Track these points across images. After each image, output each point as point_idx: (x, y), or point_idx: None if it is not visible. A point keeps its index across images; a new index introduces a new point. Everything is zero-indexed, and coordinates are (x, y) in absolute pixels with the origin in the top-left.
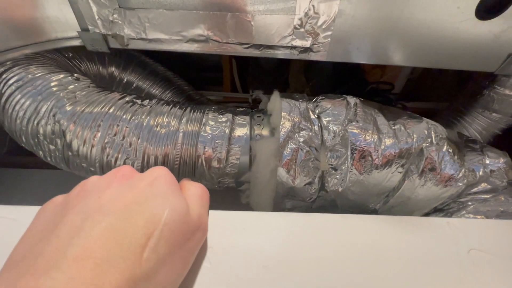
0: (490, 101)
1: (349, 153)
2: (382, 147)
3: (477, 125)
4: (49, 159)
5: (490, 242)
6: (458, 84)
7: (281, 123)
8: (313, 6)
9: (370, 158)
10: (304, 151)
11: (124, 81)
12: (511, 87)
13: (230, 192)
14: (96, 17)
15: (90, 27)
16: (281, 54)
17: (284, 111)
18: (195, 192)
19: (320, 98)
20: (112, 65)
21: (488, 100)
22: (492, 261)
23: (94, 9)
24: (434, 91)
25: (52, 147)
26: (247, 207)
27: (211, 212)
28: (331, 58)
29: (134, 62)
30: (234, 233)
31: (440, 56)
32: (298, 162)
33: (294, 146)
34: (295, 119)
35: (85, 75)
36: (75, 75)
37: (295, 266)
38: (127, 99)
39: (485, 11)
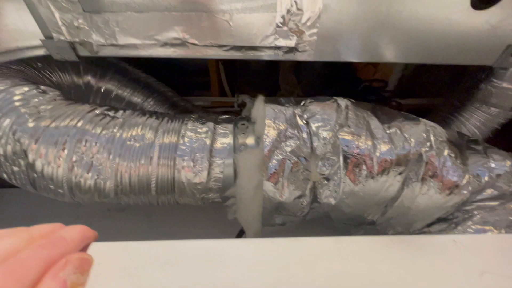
0: (488, 95)
1: (341, 161)
2: (377, 154)
3: (475, 120)
4: (14, 181)
5: (505, 262)
6: (453, 78)
7: (265, 131)
8: (296, 2)
9: (364, 167)
10: (292, 161)
11: (102, 90)
12: (509, 80)
13: (216, 206)
14: (60, 23)
15: (54, 35)
16: (265, 55)
17: (269, 118)
18: None
19: (308, 101)
20: (88, 73)
21: (485, 94)
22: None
23: (57, 14)
24: (429, 86)
25: (15, 168)
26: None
27: (182, 242)
28: (319, 58)
29: (112, 69)
30: (209, 268)
31: (434, 51)
32: (286, 174)
33: (280, 156)
34: (281, 127)
35: (57, 86)
36: (42, 87)
37: None
38: (97, 111)
39: (481, 0)
